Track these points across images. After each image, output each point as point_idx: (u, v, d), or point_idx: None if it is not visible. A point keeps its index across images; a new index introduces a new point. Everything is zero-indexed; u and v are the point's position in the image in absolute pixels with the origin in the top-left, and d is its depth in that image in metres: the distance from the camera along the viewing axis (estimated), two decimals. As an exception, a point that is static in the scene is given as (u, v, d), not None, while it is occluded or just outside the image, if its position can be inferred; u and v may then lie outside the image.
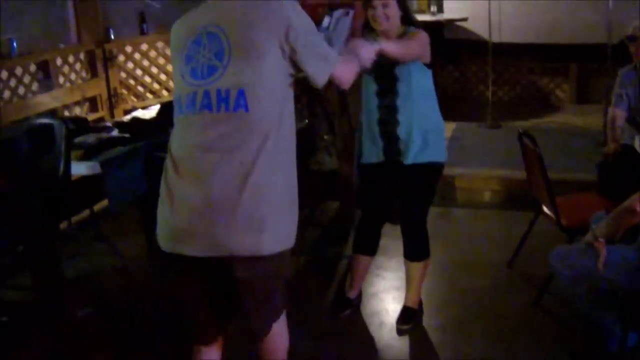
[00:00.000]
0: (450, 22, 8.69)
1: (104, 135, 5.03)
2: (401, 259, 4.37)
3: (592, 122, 7.85)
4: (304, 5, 2.95)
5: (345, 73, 2.97)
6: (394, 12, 3.96)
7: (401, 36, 4.00)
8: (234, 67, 2.56)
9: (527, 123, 8.15)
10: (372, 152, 4.24)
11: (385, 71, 4.00)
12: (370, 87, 4.14)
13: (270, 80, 2.60)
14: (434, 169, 4.24)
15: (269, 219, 2.59)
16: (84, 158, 4.69)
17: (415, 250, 4.28)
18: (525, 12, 8.77)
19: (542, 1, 8.78)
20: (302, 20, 2.70)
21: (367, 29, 4.10)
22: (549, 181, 4.33)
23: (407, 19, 4.07)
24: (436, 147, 4.20)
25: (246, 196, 2.53)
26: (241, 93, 2.54)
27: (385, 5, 3.93)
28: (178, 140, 2.73)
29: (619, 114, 5.29)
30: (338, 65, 2.86)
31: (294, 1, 2.77)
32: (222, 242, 2.56)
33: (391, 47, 3.71)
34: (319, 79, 2.79)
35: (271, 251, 2.62)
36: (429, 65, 4.05)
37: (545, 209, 4.56)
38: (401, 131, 4.08)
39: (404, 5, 4.04)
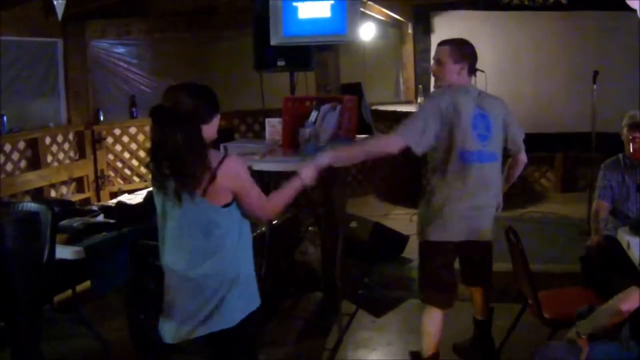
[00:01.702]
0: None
1: (90, 219, 5.03)
2: (384, 349, 4.31)
3: (577, 210, 7.88)
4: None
5: None
6: None
7: None
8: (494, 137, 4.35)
9: (513, 213, 8.17)
10: None
11: None
12: None
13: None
14: None
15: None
16: (69, 242, 4.68)
17: None
18: (510, 103, 8.83)
19: (526, 92, 8.93)
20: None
21: None
22: (531, 275, 4.34)
23: None
24: None
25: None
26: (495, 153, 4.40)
27: None
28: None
29: (602, 206, 5.34)
30: None
31: None
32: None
33: None
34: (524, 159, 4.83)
35: None
36: None
37: (530, 302, 4.56)
38: None
39: None
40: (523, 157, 4.72)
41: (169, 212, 3.15)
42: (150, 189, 5.66)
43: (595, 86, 7.09)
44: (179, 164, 2.99)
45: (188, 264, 3.14)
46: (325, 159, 3.75)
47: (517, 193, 9.20)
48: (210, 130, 3.14)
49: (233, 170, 3.10)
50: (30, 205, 4.92)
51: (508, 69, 8.89)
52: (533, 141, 8.82)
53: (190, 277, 3.14)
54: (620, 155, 5.40)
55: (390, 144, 4.16)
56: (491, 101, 4.39)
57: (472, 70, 4.42)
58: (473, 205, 4.27)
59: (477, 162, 4.22)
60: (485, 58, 8.36)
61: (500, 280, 6.00)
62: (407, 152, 4.14)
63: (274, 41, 5.55)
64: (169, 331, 3.27)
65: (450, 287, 4.45)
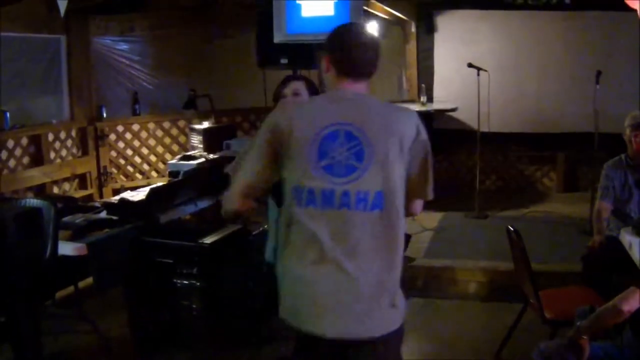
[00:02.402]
0: (440, 112, 8.76)
1: (92, 216, 5.03)
2: None
3: (579, 210, 7.87)
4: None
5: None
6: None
7: None
8: (373, 170, 2.69)
9: (514, 212, 8.19)
10: None
11: None
12: None
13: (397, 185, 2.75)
14: None
15: None
16: (71, 239, 4.68)
17: None
18: (513, 102, 8.89)
19: (529, 92, 8.92)
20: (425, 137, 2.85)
21: None
22: (532, 274, 4.35)
23: None
24: None
25: None
26: (379, 195, 2.70)
27: (296, 94, 3.68)
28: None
29: (604, 206, 5.33)
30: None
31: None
32: None
33: None
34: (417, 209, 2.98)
35: None
36: None
37: (532, 301, 4.57)
38: None
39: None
40: (416, 207, 2.98)
41: None
42: (153, 185, 5.68)
43: (598, 86, 7.09)
44: None
45: None
46: None
47: (519, 192, 9.25)
48: None
49: None
50: (32, 201, 4.93)
51: (511, 68, 8.89)
52: (535, 141, 8.99)
53: None
54: (623, 156, 5.39)
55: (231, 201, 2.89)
56: (382, 117, 2.78)
57: (341, 67, 2.87)
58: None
59: (329, 206, 2.70)
60: (487, 57, 8.47)
61: (502, 280, 6.04)
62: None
63: (277, 39, 5.56)
64: None
65: None
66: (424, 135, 2.81)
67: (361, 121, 2.71)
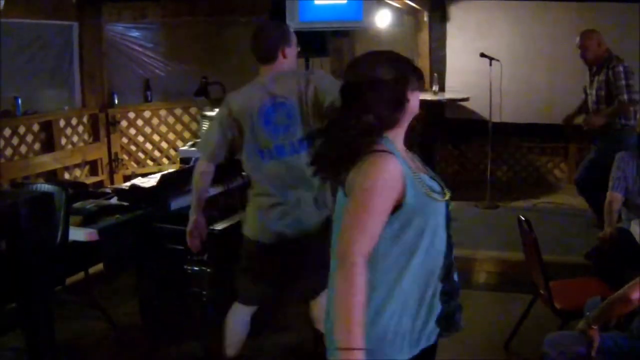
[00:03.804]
0: (452, 101, 8.74)
1: (103, 202, 5.04)
2: None
3: (590, 203, 7.87)
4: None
5: None
6: None
7: None
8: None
9: (525, 203, 8.18)
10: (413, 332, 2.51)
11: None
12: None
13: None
14: None
15: None
16: (82, 224, 4.69)
17: None
18: (525, 93, 8.85)
19: (541, 82, 8.89)
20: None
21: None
22: (543, 265, 4.33)
23: None
24: None
25: None
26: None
27: None
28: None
29: (616, 197, 5.30)
30: None
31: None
32: None
33: None
34: None
35: None
36: None
37: (542, 291, 4.56)
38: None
39: None
40: None
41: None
42: (164, 172, 5.68)
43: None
44: None
45: None
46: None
47: (530, 183, 9.24)
48: None
49: None
50: (44, 187, 4.94)
51: (523, 58, 8.85)
52: (547, 132, 8.96)
53: None
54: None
55: (201, 168, 4.08)
56: (287, 81, 3.90)
57: (258, 58, 4.10)
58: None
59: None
60: (500, 47, 8.45)
61: (512, 270, 6.04)
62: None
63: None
64: None
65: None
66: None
67: (283, 91, 3.82)
